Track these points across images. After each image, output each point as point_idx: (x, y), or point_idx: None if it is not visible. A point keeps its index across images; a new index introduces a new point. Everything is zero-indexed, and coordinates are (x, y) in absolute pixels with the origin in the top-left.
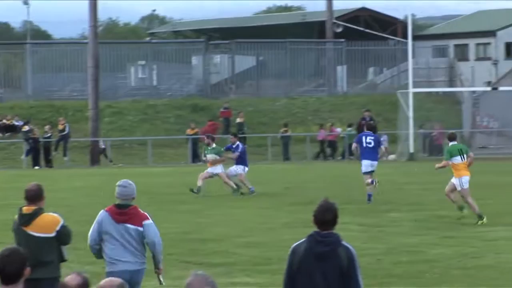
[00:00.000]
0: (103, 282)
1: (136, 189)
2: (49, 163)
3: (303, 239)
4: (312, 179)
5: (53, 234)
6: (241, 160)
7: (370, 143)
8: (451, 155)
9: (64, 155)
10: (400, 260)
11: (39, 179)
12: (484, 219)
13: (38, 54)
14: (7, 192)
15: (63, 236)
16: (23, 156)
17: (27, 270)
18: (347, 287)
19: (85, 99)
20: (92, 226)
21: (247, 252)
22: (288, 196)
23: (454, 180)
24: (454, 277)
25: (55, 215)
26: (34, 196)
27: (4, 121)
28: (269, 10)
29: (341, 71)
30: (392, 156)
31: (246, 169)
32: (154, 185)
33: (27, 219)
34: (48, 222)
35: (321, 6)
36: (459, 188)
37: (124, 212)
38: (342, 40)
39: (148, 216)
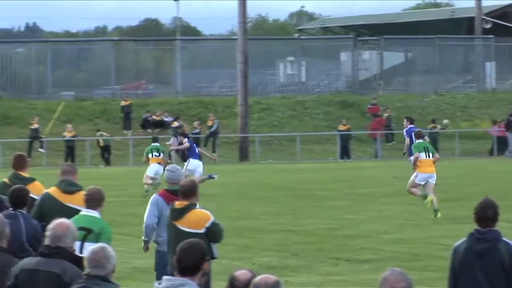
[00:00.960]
0: (258, 278)
1: (183, 174)
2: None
3: (464, 238)
4: (462, 175)
5: (202, 231)
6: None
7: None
8: (419, 150)
9: (213, 151)
10: None
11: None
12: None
13: (188, 51)
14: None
15: (212, 233)
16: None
17: (206, 264)
18: (510, 284)
19: (234, 95)
20: (148, 210)
21: (395, 249)
22: (438, 192)
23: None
24: None
25: (207, 212)
26: (188, 191)
27: (154, 117)
28: (417, 7)
29: (490, 67)
30: None
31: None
32: (302, 181)
33: (178, 213)
34: (198, 218)
35: (470, 2)
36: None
37: (176, 198)
38: (491, 36)
39: None
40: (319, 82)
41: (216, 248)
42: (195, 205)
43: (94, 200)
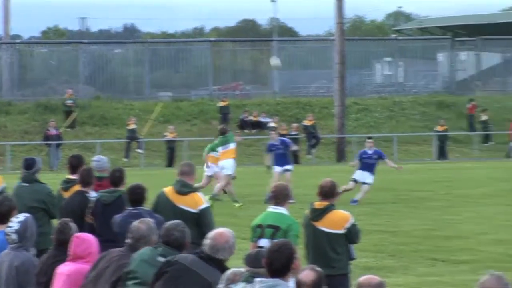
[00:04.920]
0: (362, 278)
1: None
2: (295, 159)
3: None
4: None
5: (342, 231)
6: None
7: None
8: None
9: (308, 153)
10: None
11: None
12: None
13: (285, 51)
14: (255, 188)
15: (352, 234)
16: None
17: (296, 264)
18: None
19: (331, 96)
20: None
21: (493, 250)
22: None
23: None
24: None
25: (346, 212)
26: (328, 192)
27: (251, 117)
28: None
29: None
30: None
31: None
32: (399, 181)
33: (318, 213)
34: (339, 219)
35: None
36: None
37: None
38: None
39: None
40: (416, 83)
41: (354, 249)
42: (334, 205)
43: (280, 196)
